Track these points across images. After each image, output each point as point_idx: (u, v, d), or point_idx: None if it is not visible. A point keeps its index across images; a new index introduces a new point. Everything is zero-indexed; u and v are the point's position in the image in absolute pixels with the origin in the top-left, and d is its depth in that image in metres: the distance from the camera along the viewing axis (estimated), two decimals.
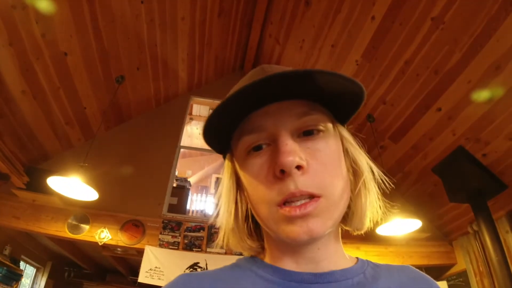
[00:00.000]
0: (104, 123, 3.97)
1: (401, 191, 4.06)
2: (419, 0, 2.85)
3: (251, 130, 0.46)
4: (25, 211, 3.35)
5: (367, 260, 0.53)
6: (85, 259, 4.56)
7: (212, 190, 6.72)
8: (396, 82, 3.42)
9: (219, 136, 0.49)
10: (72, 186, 2.91)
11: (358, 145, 0.52)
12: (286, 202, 0.42)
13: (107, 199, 3.43)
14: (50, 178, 2.77)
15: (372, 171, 0.51)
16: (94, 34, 3.14)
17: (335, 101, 0.48)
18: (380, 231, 3.38)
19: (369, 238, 3.59)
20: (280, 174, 0.42)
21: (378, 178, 0.51)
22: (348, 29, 3.52)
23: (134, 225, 3.54)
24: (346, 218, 0.50)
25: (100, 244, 3.32)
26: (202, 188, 7.13)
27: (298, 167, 0.42)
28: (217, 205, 0.54)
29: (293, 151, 0.42)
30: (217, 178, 5.93)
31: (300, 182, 0.42)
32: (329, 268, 0.48)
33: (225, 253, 3.59)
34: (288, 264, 0.48)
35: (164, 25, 3.66)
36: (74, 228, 3.33)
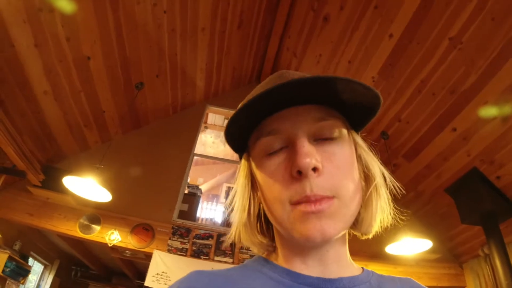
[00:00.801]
0: (121, 127, 4.07)
1: (413, 210, 4.01)
2: (438, 20, 2.86)
3: (269, 132, 0.48)
4: (38, 209, 3.43)
5: (371, 270, 0.54)
6: (93, 259, 4.60)
7: (222, 199, 6.73)
8: (412, 100, 3.41)
9: (238, 137, 0.51)
10: (86, 186, 2.97)
11: (372, 152, 0.54)
12: (300, 202, 0.44)
13: (119, 201, 3.49)
14: (65, 177, 2.83)
15: (384, 177, 0.52)
16: (117, 40, 3.25)
17: (350, 108, 0.49)
18: (390, 250, 3.34)
19: (378, 256, 3.55)
20: (297, 174, 0.44)
21: (390, 184, 0.53)
22: (366, 46, 3.54)
23: (144, 229, 3.59)
24: (356, 223, 0.51)
25: (109, 245, 3.36)
26: (213, 196, 7.15)
27: (314, 169, 0.43)
28: (231, 201, 0.55)
29: (310, 153, 0.44)
30: (228, 188, 5.95)
31: (315, 185, 0.43)
32: (338, 273, 0.49)
33: (233, 263, 3.59)
34: (298, 266, 0.49)
35: (185, 35, 3.76)
36: (85, 228, 3.39)
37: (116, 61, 3.41)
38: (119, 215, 3.59)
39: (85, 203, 3.35)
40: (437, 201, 3.74)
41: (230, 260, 3.61)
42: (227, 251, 3.68)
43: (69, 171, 3.32)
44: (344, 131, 0.49)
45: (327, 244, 0.49)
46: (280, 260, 0.52)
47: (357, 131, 0.54)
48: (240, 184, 0.54)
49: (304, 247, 0.49)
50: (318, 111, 0.48)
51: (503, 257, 2.74)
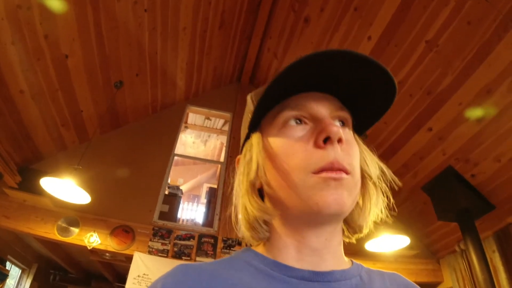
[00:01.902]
0: (100, 127, 3.98)
1: (390, 207, 4.10)
2: (415, 23, 2.95)
3: (294, 106, 0.50)
4: (15, 211, 3.31)
5: (360, 264, 0.54)
6: (72, 263, 4.48)
7: (203, 199, 6.70)
8: None
9: (261, 109, 0.52)
10: (64, 188, 2.90)
11: (371, 150, 0.57)
12: (322, 170, 0.45)
13: (98, 203, 3.40)
14: (43, 178, 2.75)
15: (384, 173, 0.54)
16: (96, 38, 3.18)
17: (358, 110, 0.54)
18: (369, 246, 3.42)
19: (357, 253, 3.61)
20: (323, 143, 0.46)
21: (390, 178, 0.54)
22: (345, 47, 3.60)
23: (124, 231, 3.52)
24: (351, 218, 0.53)
25: (89, 248, 3.28)
26: (194, 197, 7.10)
27: (339, 140, 0.46)
28: (244, 169, 0.54)
29: (338, 126, 0.47)
30: (209, 188, 5.92)
31: (339, 155, 0.45)
32: (331, 265, 0.49)
33: None
34: (291, 256, 0.49)
35: (166, 34, 3.72)
36: (64, 231, 3.29)
37: (95, 59, 3.33)
38: (99, 217, 3.50)
39: (63, 205, 3.25)
40: (414, 199, 3.84)
41: (212, 260, 3.57)
42: (208, 251, 3.66)
43: (46, 172, 3.23)
44: (351, 127, 0.54)
45: (329, 229, 0.49)
46: (273, 251, 0.51)
47: (358, 133, 0.57)
48: (256, 152, 0.53)
49: (307, 227, 0.49)
50: (337, 101, 0.52)
51: (479, 252, 2.85)
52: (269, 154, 0.51)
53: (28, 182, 3.27)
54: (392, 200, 0.54)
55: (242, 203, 0.53)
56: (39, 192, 3.09)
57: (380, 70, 0.46)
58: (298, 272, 0.47)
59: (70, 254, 4.31)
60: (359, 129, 0.57)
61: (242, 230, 0.54)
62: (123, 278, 4.21)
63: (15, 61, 2.78)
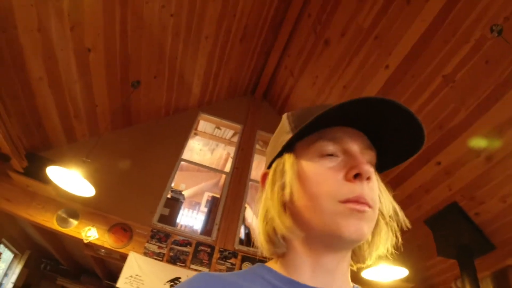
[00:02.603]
0: (112, 123, 4.02)
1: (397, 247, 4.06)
2: (434, 57, 2.98)
3: (330, 138, 0.53)
4: (17, 195, 3.32)
5: (359, 286, 0.58)
6: (65, 254, 4.45)
7: (203, 207, 6.67)
8: None
9: (299, 137, 0.56)
10: (70, 179, 2.91)
11: (387, 189, 0.60)
12: (348, 202, 0.48)
13: (101, 198, 3.40)
14: (50, 167, 2.77)
15: (396, 212, 0.58)
16: (120, 36, 3.25)
17: (383, 150, 0.56)
18: (366, 274, 3.38)
19: (353, 279, 3.55)
20: (353, 178, 0.49)
21: (401, 219, 0.58)
22: (362, 74, 3.65)
23: (122, 229, 3.51)
24: (358, 248, 0.57)
25: (85, 242, 3.27)
26: (195, 204, 7.08)
27: (368, 178, 0.49)
28: (278, 187, 0.56)
29: (369, 164, 0.50)
30: (211, 197, 5.90)
31: (365, 191, 0.49)
32: (338, 286, 0.52)
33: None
34: (304, 275, 0.52)
35: (188, 40, 3.79)
36: (63, 221, 3.29)
37: (116, 56, 3.40)
38: (99, 212, 3.51)
39: (66, 196, 3.26)
40: (415, 231, 3.81)
41: (207, 269, 3.56)
42: (204, 260, 3.63)
43: (53, 161, 3.25)
44: (375, 166, 0.56)
45: (343, 253, 0.52)
46: (287, 267, 0.54)
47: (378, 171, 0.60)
48: (290, 174, 0.55)
49: (325, 248, 0.52)
50: (366, 139, 0.55)
51: None
52: (300, 178, 0.54)
53: (34, 169, 3.28)
54: (400, 240, 0.57)
55: (271, 218, 0.55)
56: (44, 180, 3.11)
57: (416, 123, 0.49)
58: None
59: (65, 245, 4.29)
60: (379, 168, 0.59)
61: (261, 242, 0.57)
62: (113, 276, 4.18)
63: (39, 48, 2.83)
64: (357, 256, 0.57)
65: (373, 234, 0.54)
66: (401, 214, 0.57)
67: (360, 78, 3.69)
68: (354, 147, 0.53)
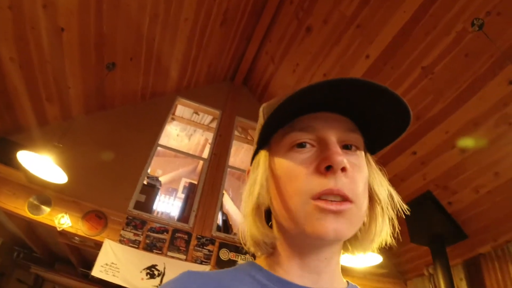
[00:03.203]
0: (85, 107, 3.87)
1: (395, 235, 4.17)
2: (414, 48, 3.01)
3: (301, 128, 0.49)
4: None
5: (356, 285, 0.57)
6: (38, 242, 4.31)
7: (180, 194, 6.61)
8: None
9: (269, 129, 0.51)
10: (41, 164, 2.80)
11: (382, 173, 0.56)
12: (321, 197, 0.44)
13: (74, 184, 3.30)
14: (20, 152, 2.64)
15: (392, 198, 0.54)
16: (95, 15, 3.09)
17: (372, 129, 0.52)
18: (341, 261, 3.45)
19: None
20: (324, 170, 0.45)
21: (397, 204, 0.55)
22: (342, 62, 3.65)
23: (96, 216, 3.42)
24: (356, 238, 0.53)
25: (58, 229, 3.17)
26: (172, 190, 7.00)
27: (343, 169, 0.45)
28: (250, 190, 0.54)
29: (342, 154, 0.45)
30: (189, 183, 5.84)
31: (340, 182, 0.44)
32: (330, 284, 0.50)
33: (186, 259, 3.52)
34: (292, 272, 0.50)
35: (166, 22, 3.66)
36: (35, 209, 3.16)
37: (90, 36, 3.24)
38: (72, 198, 3.39)
39: (37, 182, 3.13)
40: None
41: (184, 256, 3.53)
42: (181, 247, 3.60)
43: (24, 146, 3.10)
44: (362, 148, 0.52)
45: (328, 250, 0.49)
46: (275, 266, 0.52)
47: (371, 153, 0.57)
48: (261, 173, 0.53)
49: (305, 248, 0.49)
50: (348, 123, 0.50)
51: (447, 278, 2.93)
52: (273, 176, 0.51)
53: (3, 154, 3.14)
54: (398, 228, 0.54)
55: (247, 223, 0.53)
56: (14, 165, 2.98)
57: (396, 99, 0.45)
58: None
59: (37, 233, 4.15)
60: (374, 147, 0.56)
61: (248, 244, 0.55)
62: (88, 264, 4.10)
63: (9, 27, 2.67)
64: (356, 247, 0.54)
65: (369, 220, 0.52)
66: (396, 198, 0.54)
67: (341, 66, 3.69)
68: (329, 134, 0.48)
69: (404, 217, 0.55)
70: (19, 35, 2.76)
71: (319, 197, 0.44)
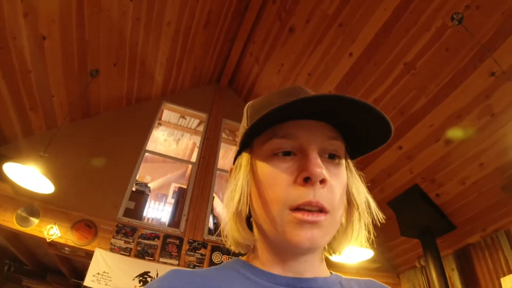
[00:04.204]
0: (70, 115, 3.80)
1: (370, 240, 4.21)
2: (396, 45, 3.06)
3: (283, 135, 0.49)
4: None
5: (338, 274, 0.57)
6: (28, 254, 4.22)
7: (170, 199, 6.55)
8: None
9: (251, 134, 0.51)
10: (28, 175, 2.75)
11: (361, 179, 0.57)
12: (299, 208, 0.45)
13: (62, 194, 3.26)
14: (6, 164, 2.60)
15: (369, 205, 0.55)
16: (77, 22, 3.05)
17: (354, 136, 0.52)
18: (334, 257, 3.48)
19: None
20: (303, 181, 0.45)
21: (374, 211, 0.55)
22: (326, 61, 3.68)
23: (86, 225, 3.37)
24: (333, 240, 0.54)
25: (48, 240, 3.11)
26: (162, 196, 6.93)
27: (322, 181, 0.45)
28: (231, 193, 0.54)
29: (321, 165, 0.46)
30: (178, 188, 5.79)
31: (319, 194, 0.45)
32: (313, 275, 0.52)
33: (178, 265, 3.51)
34: (275, 268, 0.51)
35: (149, 26, 3.64)
36: (23, 220, 3.10)
37: (73, 44, 3.20)
38: (60, 208, 3.33)
39: (24, 193, 3.07)
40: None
41: (176, 262, 3.51)
42: (173, 253, 3.58)
43: (9, 157, 3.04)
44: (343, 155, 0.52)
45: (308, 255, 0.51)
46: (258, 262, 0.53)
47: (351, 158, 0.57)
48: (242, 178, 0.54)
49: (285, 252, 0.50)
50: (330, 130, 0.50)
51: (438, 269, 2.98)
52: (255, 181, 0.52)
53: None
54: (373, 234, 0.56)
55: (227, 226, 0.54)
56: (0, 177, 2.91)
57: (379, 115, 0.45)
58: (284, 279, 0.50)
59: (27, 245, 4.06)
60: (355, 154, 0.56)
61: (229, 243, 0.56)
62: (80, 275, 4.04)
63: None
64: (332, 248, 0.56)
65: (347, 224, 0.53)
66: (373, 206, 0.55)
67: (325, 65, 3.72)
68: (310, 142, 0.48)
69: (379, 224, 0.56)
70: (0, 45, 2.70)
71: (296, 209, 0.45)
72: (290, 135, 0.49)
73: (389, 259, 4.13)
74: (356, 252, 3.34)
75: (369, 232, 0.55)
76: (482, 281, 3.03)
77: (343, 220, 0.53)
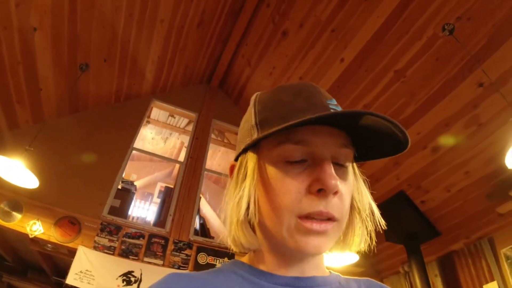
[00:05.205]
0: (57, 109, 3.73)
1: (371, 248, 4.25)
2: (387, 52, 3.10)
3: (297, 141, 0.47)
4: None
5: (337, 273, 0.58)
6: (9, 250, 4.10)
7: (156, 198, 6.48)
8: None
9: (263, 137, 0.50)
10: (12, 169, 2.69)
11: (365, 184, 0.57)
12: (308, 216, 0.45)
13: (46, 190, 3.18)
14: None
15: (372, 212, 0.55)
16: (69, 15, 3.00)
17: (363, 144, 0.51)
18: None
19: None
20: (316, 191, 0.45)
21: (376, 217, 0.55)
22: (318, 66, 3.71)
23: (70, 222, 3.30)
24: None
25: (30, 237, 3.04)
26: (147, 195, 6.86)
27: (335, 193, 0.45)
28: (235, 194, 0.53)
29: (336, 177, 0.45)
30: (165, 187, 5.74)
31: (330, 205, 0.45)
32: (312, 274, 0.52)
33: (163, 265, 3.46)
34: (276, 268, 0.51)
35: (142, 23, 3.60)
36: (5, 215, 3.02)
37: (64, 37, 3.14)
38: (44, 204, 3.26)
39: (8, 187, 2.99)
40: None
41: (161, 262, 3.47)
42: (158, 253, 3.54)
43: None
44: (351, 161, 0.52)
45: (311, 258, 0.52)
46: (262, 264, 0.53)
47: (356, 160, 0.56)
48: (250, 181, 0.52)
49: (288, 255, 0.51)
50: (342, 138, 0.50)
51: (422, 275, 3.03)
52: (263, 183, 0.50)
53: None
54: (374, 240, 0.55)
55: (232, 229, 0.53)
56: None
57: (400, 131, 0.45)
58: (283, 279, 0.50)
59: (9, 240, 3.95)
60: (359, 157, 0.55)
61: (229, 243, 0.56)
62: (62, 272, 3.95)
63: None
64: (334, 249, 0.55)
65: (347, 229, 0.53)
66: (376, 213, 0.54)
67: (316, 70, 3.75)
68: (323, 150, 0.47)
69: (381, 231, 0.55)
70: None
71: (306, 217, 0.45)
72: (304, 141, 0.47)
73: (373, 264, 4.17)
74: (341, 255, 3.37)
75: (370, 238, 0.54)
76: None
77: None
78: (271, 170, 0.49)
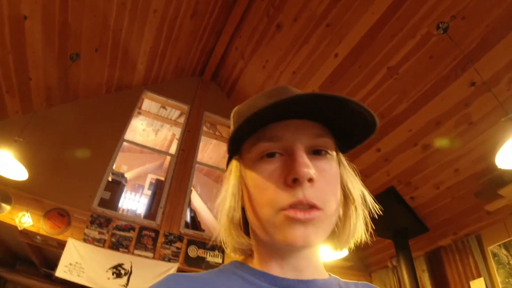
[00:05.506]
0: (47, 99, 3.67)
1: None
2: (381, 49, 3.11)
3: (269, 138, 0.49)
4: None
5: (337, 277, 0.58)
6: None
7: (146, 190, 6.44)
8: None
9: (237, 140, 0.52)
10: (1, 160, 2.65)
11: (354, 173, 0.57)
12: (291, 207, 0.45)
13: (35, 181, 3.15)
14: None
15: (364, 198, 0.55)
16: (60, 3, 2.94)
17: (343, 130, 0.52)
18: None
19: None
20: (292, 182, 0.45)
21: (370, 204, 0.56)
22: (312, 60, 3.70)
23: (59, 214, 3.27)
24: (333, 236, 0.54)
25: (19, 229, 3.00)
26: (138, 187, 6.81)
27: (309, 180, 0.45)
28: (223, 201, 0.55)
29: (308, 164, 0.46)
30: (156, 180, 5.70)
31: (308, 193, 0.45)
32: (312, 276, 0.52)
33: (153, 257, 3.46)
34: (273, 269, 0.51)
35: (135, 13, 3.54)
36: None
37: (55, 25, 3.07)
38: (33, 196, 3.22)
39: None
40: None
41: (151, 254, 3.46)
42: (148, 245, 3.53)
43: None
44: (333, 150, 0.53)
45: (305, 251, 0.51)
46: (256, 264, 0.54)
47: (343, 152, 0.58)
48: (232, 184, 0.54)
49: (282, 251, 0.51)
50: (316, 128, 0.51)
51: (410, 270, 3.08)
52: (245, 186, 0.52)
53: None
54: (372, 226, 0.56)
55: (222, 231, 0.55)
56: None
57: (362, 107, 0.45)
58: (284, 281, 0.50)
59: None
60: (344, 148, 0.57)
61: (229, 250, 0.57)
62: (52, 265, 3.92)
63: None
64: (333, 244, 0.56)
65: (344, 220, 0.54)
66: (369, 199, 0.55)
67: (310, 64, 3.74)
68: (297, 143, 0.48)
69: (376, 217, 0.56)
70: None
71: (288, 208, 0.45)
72: (276, 137, 0.49)
73: (362, 258, 4.23)
74: (331, 250, 3.40)
75: (366, 224, 0.55)
76: (452, 283, 3.16)
77: (341, 214, 0.53)
78: (250, 171, 0.51)
